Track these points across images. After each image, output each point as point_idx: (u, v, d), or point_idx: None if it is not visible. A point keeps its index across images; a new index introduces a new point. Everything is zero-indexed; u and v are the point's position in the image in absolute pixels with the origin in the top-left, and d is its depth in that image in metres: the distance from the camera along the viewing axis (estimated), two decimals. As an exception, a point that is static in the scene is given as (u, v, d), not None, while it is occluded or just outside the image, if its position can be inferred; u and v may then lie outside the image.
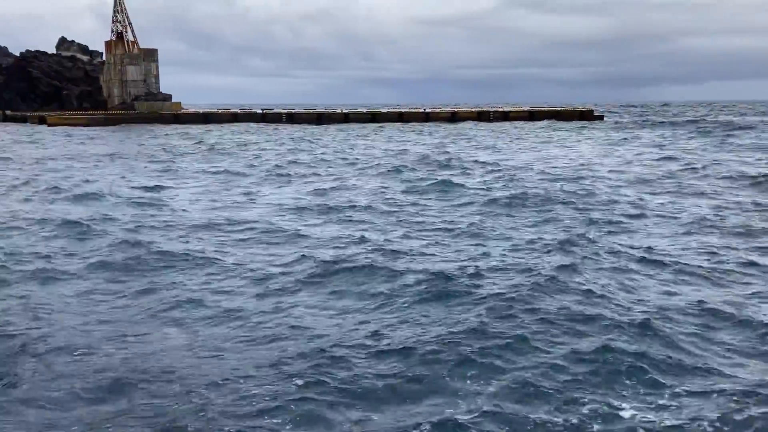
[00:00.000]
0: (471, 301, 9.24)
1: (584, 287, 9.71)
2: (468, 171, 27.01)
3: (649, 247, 12.61)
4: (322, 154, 37.23)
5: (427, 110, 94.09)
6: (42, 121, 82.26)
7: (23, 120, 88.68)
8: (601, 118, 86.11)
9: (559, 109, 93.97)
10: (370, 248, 12.53)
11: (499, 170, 27.05)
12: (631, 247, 12.65)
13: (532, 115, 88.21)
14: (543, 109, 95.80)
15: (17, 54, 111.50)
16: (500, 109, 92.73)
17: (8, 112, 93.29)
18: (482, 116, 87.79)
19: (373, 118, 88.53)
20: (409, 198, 19.90)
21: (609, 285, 10.04)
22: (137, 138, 54.11)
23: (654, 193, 20.27)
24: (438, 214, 16.85)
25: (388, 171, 26.81)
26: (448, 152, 36.72)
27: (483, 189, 21.31)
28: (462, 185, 22.09)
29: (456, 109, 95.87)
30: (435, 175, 25.33)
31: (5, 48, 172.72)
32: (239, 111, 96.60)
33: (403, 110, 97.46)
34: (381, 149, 40.68)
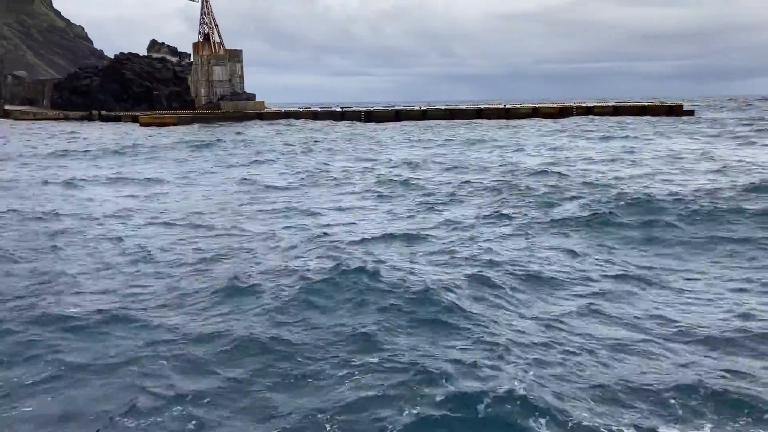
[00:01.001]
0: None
1: None
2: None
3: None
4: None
5: (507, 106, 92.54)
6: (134, 120, 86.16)
7: (117, 119, 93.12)
8: (691, 113, 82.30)
9: (645, 104, 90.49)
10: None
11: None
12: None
13: (617, 111, 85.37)
14: (628, 104, 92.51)
15: (112, 56, 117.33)
16: (583, 105, 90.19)
17: (103, 112, 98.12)
18: (564, 112, 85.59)
19: (452, 114, 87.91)
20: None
21: None
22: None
23: None
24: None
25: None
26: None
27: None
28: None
29: (537, 105, 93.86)
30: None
31: (101, 51, 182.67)
32: (319, 109, 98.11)
33: (482, 106, 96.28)
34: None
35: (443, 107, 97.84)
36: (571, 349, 7.77)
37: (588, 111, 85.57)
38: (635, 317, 9.00)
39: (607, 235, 14.17)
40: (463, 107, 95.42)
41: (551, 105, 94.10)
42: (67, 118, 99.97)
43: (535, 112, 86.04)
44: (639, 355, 7.70)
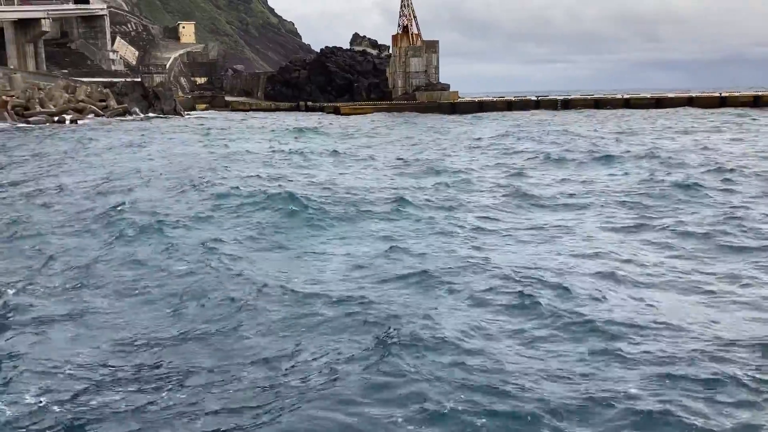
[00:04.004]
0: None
1: None
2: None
3: None
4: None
5: (723, 94, 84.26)
6: (336, 110, 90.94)
7: (321, 110, 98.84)
8: None
9: None
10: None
11: None
12: None
13: None
14: None
15: (318, 50, 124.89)
16: (818, 92, 79.42)
17: (309, 103, 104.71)
18: (794, 100, 75.98)
19: (658, 103, 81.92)
20: None
21: None
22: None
23: None
24: None
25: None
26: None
27: None
28: None
29: (761, 93, 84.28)
30: None
31: (308, 45, 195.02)
32: (513, 99, 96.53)
33: (692, 95, 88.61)
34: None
35: (648, 95, 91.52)
36: None
37: (824, 99, 75.27)
38: None
39: None
40: (672, 95, 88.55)
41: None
42: (277, 109, 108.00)
43: (756, 101, 77.43)
44: None
